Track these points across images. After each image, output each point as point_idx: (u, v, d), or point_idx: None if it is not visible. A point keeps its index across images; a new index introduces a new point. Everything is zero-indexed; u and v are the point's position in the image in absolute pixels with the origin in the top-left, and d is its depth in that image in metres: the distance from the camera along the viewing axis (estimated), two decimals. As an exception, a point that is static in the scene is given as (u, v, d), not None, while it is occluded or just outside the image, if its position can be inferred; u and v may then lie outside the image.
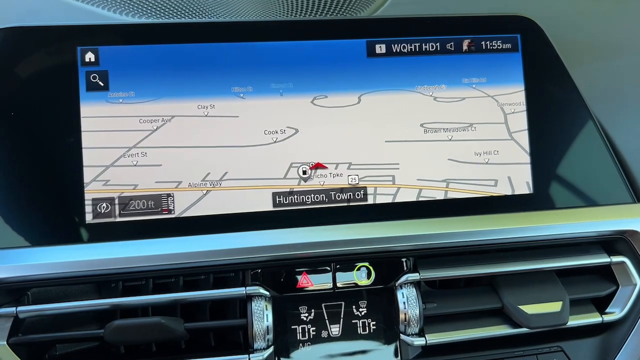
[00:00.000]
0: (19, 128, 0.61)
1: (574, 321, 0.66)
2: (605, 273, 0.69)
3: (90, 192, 0.61)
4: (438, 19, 0.68)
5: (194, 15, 0.80)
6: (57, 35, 0.63)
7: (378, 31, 0.67)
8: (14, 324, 0.58)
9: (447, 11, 0.69)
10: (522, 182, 0.68)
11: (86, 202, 0.61)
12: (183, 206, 0.62)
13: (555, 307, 0.65)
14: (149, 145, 0.62)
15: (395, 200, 0.65)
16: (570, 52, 0.71)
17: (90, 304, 0.60)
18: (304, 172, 0.64)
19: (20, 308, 0.58)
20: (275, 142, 0.64)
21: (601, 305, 0.69)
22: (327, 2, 0.84)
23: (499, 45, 0.69)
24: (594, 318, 0.67)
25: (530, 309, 0.64)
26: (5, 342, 0.57)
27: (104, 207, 0.61)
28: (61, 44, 0.63)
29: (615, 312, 0.68)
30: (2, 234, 0.59)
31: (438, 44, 0.68)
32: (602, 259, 0.68)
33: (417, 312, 0.62)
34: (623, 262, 0.68)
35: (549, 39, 0.71)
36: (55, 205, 0.61)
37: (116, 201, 0.61)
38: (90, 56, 0.62)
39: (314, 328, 0.63)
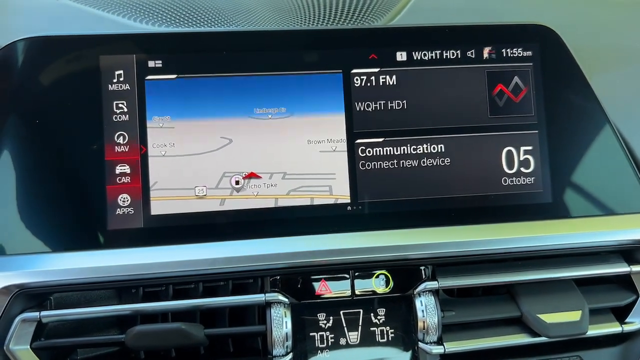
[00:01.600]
0: (43, 135, 0.62)
1: (594, 331, 0.66)
2: (625, 282, 0.69)
3: (112, 198, 0.62)
4: (457, 27, 0.68)
5: (213, 23, 0.80)
6: (80, 44, 0.64)
7: (394, 40, 0.68)
8: (37, 328, 0.59)
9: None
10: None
11: (108, 209, 0.62)
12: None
13: (574, 316, 0.64)
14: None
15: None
16: (589, 59, 0.71)
17: (111, 309, 0.61)
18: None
19: (43, 313, 0.58)
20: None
21: (621, 314, 0.68)
22: (345, 10, 0.84)
23: (519, 54, 0.69)
24: (614, 328, 0.67)
25: (549, 318, 0.64)
26: (29, 346, 0.58)
27: (125, 213, 0.62)
28: (84, 52, 0.63)
29: (635, 322, 0.67)
30: (26, 239, 0.60)
31: (459, 51, 0.68)
32: (622, 268, 0.67)
33: (436, 320, 0.63)
34: (643, 272, 0.67)
35: (568, 47, 0.70)
36: (78, 212, 0.61)
37: (136, 208, 0.62)
38: (113, 65, 0.63)
39: (332, 335, 0.63)
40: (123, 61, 0.63)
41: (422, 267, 0.65)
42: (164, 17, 0.82)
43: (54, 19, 0.80)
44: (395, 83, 0.67)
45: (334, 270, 0.64)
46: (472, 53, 0.68)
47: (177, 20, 0.80)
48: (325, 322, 0.64)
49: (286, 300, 0.62)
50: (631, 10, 0.91)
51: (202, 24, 0.80)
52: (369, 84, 0.67)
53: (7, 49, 0.63)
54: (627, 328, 0.67)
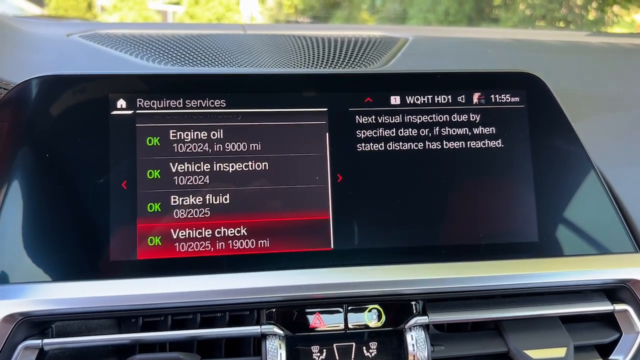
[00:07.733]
0: (49, 169, 0.64)
1: (578, 367, 0.67)
2: (609, 320, 0.71)
3: (115, 230, 0.64)
4: (448, 74, 0.72)
5: (219, 62, 0.84)
6: (90, 83, 0.67)
7: (388, 85, 0.71)
8: (39, 356, 0.60)
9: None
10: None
11: (111, 240, 0.64)
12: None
13: (559, 352, 0.66)
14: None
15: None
16: (573, 105, 0.75)
17: (111, 339, 0.62)
18: None
19: (45, 341, 0.60)
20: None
21: (605, 351, 0.70)
22: (343, 54, 0.88)
23: (507, 99, 0.72)
24: (598, 365, 0.69)
25: (535, 354, 0.66)
26: (30, 374, 0.60)
27: (127, 245, 0.64)
28: (93, 91, 0.66)
29: (618, 359, 0.69)
30: (30, 268, 0.62)
31: (450, 96, 0.71)
32: (606, 307, 0.70)
33: (426, 354, 0.64)
34: (626, 310, 0.70)
35: (553, 94, 0.74)
36: (81, 243, 0.64)
37: (139, 240, 0.64)
38: (121, 103, 0.66)
39: (325, 367, 0.65)
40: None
41: (414, 302, 0.67)
42: (173, 56, 0.85)
43: (62, 55, 0.84)
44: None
45: (328, 304, 0.66)
46: (462, 98, 0.72)
47: (185, 60, 0.84)
48: (318, 354, 0.65)
49: (281, 332, 0.64)
50: (612, 56, 0.95)
51: (208, 63, 0.84)
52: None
53: (20, 86, 0.66)
54: (611, 365, 0.69)
